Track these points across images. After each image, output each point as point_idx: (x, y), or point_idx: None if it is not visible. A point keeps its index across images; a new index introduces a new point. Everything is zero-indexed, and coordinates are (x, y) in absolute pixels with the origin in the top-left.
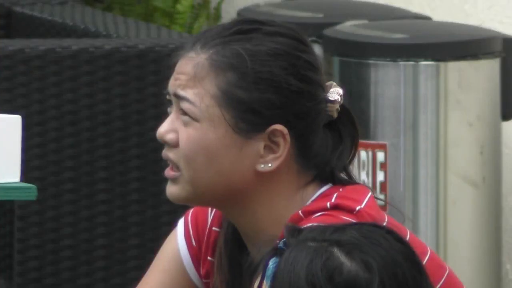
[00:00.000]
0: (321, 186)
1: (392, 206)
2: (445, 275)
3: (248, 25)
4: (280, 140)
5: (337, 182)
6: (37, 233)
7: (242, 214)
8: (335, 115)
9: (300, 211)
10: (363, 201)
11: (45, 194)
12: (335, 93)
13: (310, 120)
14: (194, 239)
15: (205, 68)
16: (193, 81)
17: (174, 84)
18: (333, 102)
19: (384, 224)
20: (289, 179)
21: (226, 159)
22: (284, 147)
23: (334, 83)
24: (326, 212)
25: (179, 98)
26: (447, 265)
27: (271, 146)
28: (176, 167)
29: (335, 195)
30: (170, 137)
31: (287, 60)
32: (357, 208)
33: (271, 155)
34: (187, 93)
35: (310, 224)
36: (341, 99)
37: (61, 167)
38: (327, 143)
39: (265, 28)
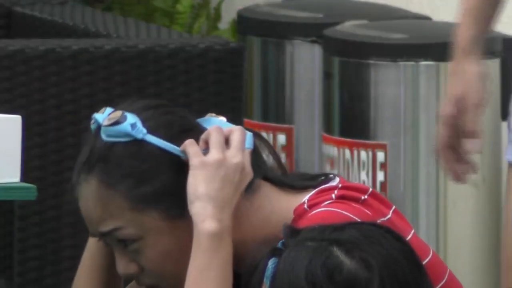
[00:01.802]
0: (304, 191)
1: None
2: (447, 274)
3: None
4: None
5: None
6: (37, 233)
7: (234, 260)
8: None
9: (305, 205)
10: (366, 193)
11: (45, 194)
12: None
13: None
14: None
15: (103, 192)
16: (105, 212)
17: (93, 228)
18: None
19: (389, 215)
20: (245, 209)
21: (186, 248)
22: None
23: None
24: (334, 200)
25: (108, 234)
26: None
27: None
28: (155, 285)
29: (336, 190)
30: (133, 269)
31: (158, 133)
32: (362, 197)
33: None
34: (110, 224)
35: (312, 213)
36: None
37: (61, 167)
38: None
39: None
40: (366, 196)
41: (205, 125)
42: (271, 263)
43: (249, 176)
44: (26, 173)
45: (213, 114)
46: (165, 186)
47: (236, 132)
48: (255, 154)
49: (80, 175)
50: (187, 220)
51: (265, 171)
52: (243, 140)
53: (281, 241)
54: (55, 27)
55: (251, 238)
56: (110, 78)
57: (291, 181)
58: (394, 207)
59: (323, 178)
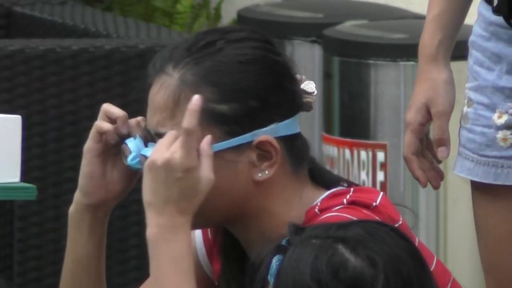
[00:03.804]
0: (326, 189)
1: (404, 207)
2: (451, 280)
3: (215, 36)
4: (270, 149)
5: (334, 184)
6: (37, 233)
7: (248, 226)
8: (313, 106)
9: (316, 209)
10: (377, 199)
11: (45, 194)
12: (310, 84)
13: (293, 117)
14: (210, 232)
15: (181, 90)
16: (171, 110)
17: (152, 122)
18: (311, 93)
19: (400, 221)
20: (286, 180)
21: (224, 180)
22: (276, 154)
23: (303, 76)
24: (345, 206)
25: (160, 135)
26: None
27: (263, 154)
28: None
29: (348, 194)
30: None
31: (261, 64)
32: (374, 204)
33: (265, 162)
34: (168, 128)
35: (322, 218)
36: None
37: (61, 167)
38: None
39: (232, 35)
40: (377, 202)
41: None
42: (275, 260)
43: (181, 171)
44: (26, 173)
45: None
46: (240, 114)
47: (168, 133)
48: (301, 146)
49: (170, 61)
50: (238, 157)
51: (312, 162)
52: (169, 140)
53: (285, 238)
54: (55, 27)
55: (280, 213)
56: (110, 78)
57: (322, 174)
58: (401, 220)
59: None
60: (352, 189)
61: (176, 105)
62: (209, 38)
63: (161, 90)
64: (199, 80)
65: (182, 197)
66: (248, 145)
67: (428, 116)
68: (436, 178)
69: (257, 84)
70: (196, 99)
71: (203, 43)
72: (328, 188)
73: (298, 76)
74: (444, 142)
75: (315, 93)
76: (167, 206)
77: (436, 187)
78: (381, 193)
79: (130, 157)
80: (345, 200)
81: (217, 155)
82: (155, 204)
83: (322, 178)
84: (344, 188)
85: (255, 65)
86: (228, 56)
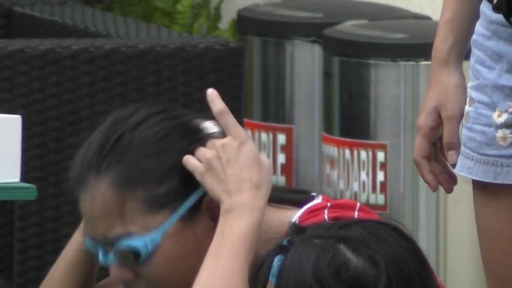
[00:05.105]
0: (297, 206)
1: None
2: None
3: (119, 129)
4: (217, 206)
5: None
6: (37, 233)
7: None
8: None
9: None
10: (354, 214)
11: (45, 194)
12: (209, 124)
13: None
14: None
15: (118, 193)
16: (117, 214)
17: (98, 231)
18: (213, 133)
19: None
20: None
21: (190, 254)
22: None
23: (200, 119)
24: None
25: (113, 240)
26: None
27: (215, 213)
28: None
29: (326, 210)
30: (126, 276)
31: (174, 134)
32: (355, 216)
33: None
34: (117, 230)
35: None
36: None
37: (61, 167)
38: None
39: (133, 120)
40: (356, 214)
41: None
42: (277, 260)
43: (238, 143)
44: (26, 173)
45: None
46: (179, 190)
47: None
48: None
49: (90, 169)
50: (195, 227)
51: None
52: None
53: (286, 238)
54: (55, 27)
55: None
56: (110, 78)
57: (279, 194)
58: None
59: (305, 195)
60: (328, 204)
61: (121, 207)
62: (115, 133)
63: (96, 201)
64: (129, 177)
65: (251, 169)
66: (198, 211)
67: (438, 120)
68: (449, 181)
69: (179, 152)
70: (210, 91)
71: (113, 141)
72: (300, 205)
73: (197, 122)
74: (453, 145)
75: (218, 131)
76: (240, 183)
77: (448, 191)
78: (357, 204)
79: (100, 256)
80: (326, 217)
81: (179, 235)
82: (226, 188)
83: (288, 197)
84: (317, 202)
85: (171, 137)
86: (143, 142)
